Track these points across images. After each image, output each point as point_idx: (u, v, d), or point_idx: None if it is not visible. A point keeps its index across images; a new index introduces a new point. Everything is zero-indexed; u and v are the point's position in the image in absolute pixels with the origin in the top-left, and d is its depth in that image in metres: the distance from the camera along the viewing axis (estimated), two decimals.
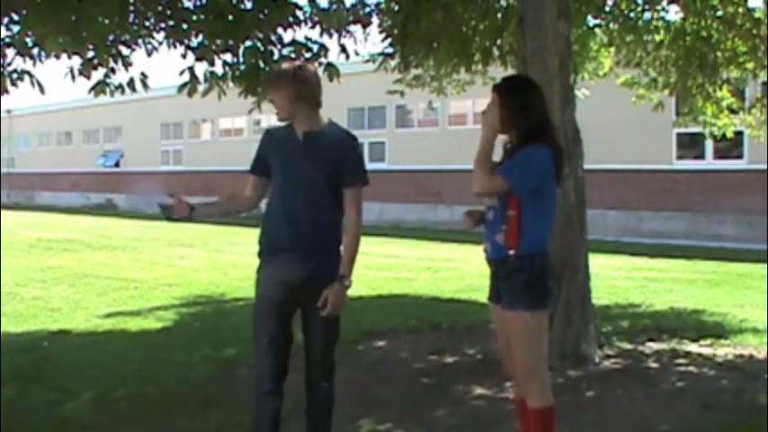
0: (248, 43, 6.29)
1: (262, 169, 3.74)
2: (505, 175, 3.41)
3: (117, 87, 6.37)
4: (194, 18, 6.18)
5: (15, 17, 5.91)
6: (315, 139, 3.64)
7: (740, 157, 19.60)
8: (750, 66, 8.70)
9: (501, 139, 3.58)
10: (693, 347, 6.67)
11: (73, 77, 6.14)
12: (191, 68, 6.19)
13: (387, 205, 26.96)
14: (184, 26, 6.19)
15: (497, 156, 3.57)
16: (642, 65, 9.22)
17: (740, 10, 8.13)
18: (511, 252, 3.40)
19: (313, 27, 6.42)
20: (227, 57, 6.37)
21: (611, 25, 8.45)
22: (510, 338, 3.49)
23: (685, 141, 20.13)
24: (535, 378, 3.49)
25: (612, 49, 9.06)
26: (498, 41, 7.84)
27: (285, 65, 3.86)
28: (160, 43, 6.42)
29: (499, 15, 7.62)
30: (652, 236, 20.10)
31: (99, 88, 6.32)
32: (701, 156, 20.48)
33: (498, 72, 8.75)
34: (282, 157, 3.65)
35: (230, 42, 6.21)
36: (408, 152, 26.88)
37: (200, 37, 6.22)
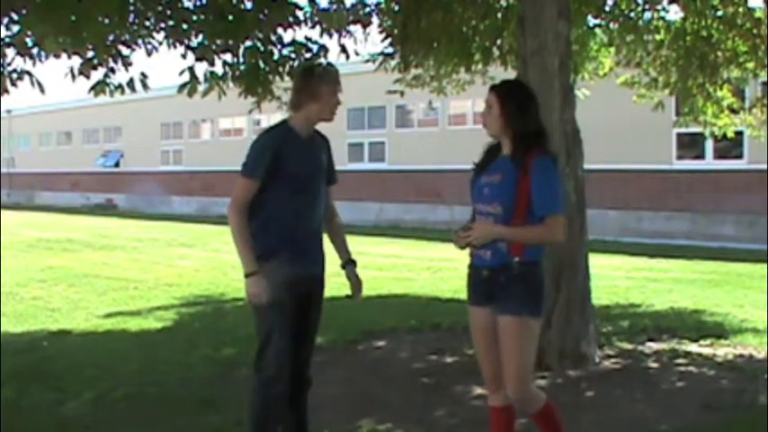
0: (248, 43, 6.29)
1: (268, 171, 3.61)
2: (558, 209, 3.41)
3: (117, 87, 6.37)
4: (194, 18, 6.17)
5: (15, 17, 5.91)
6: (313, 139, 3.76)
7: (740, 157, 19.59)
8: (750, 65, 8.70)
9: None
10: (693, 347, 6.67)
11: (73, 77, 6.13)
12: (191, 68, 6.18)
13: (386, 205, 26.97)
14: (184, 26, 6.19)
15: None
16: (642, 65, 9.22)
17: (740, 10, 8.13)
18: (516, 259, 3.40)
19: (313, 27, 6.42)
20: (227, 57, 6.37)
21: (611, 25, 8.45)
22: (504, 344, 3.44)
23: (685, 141, 20.12)
24: (529, 383, 3.52)
25: (612, 49, 9.06)
26: (498, 41, 7.84)
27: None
28: (160, 43, 6.41)
29: (499, 15, 7.63)
30: (652, 236, 20.09)
31: (99, 88, 6.31)
32: (701, 156, 20.47)
33: (498, 72, 8.79)
34: (295, 156, 3.66)
35: (230, 42, 6.21)
36: (408, 152, 26.87)
37: (201, 37, 6.21)
